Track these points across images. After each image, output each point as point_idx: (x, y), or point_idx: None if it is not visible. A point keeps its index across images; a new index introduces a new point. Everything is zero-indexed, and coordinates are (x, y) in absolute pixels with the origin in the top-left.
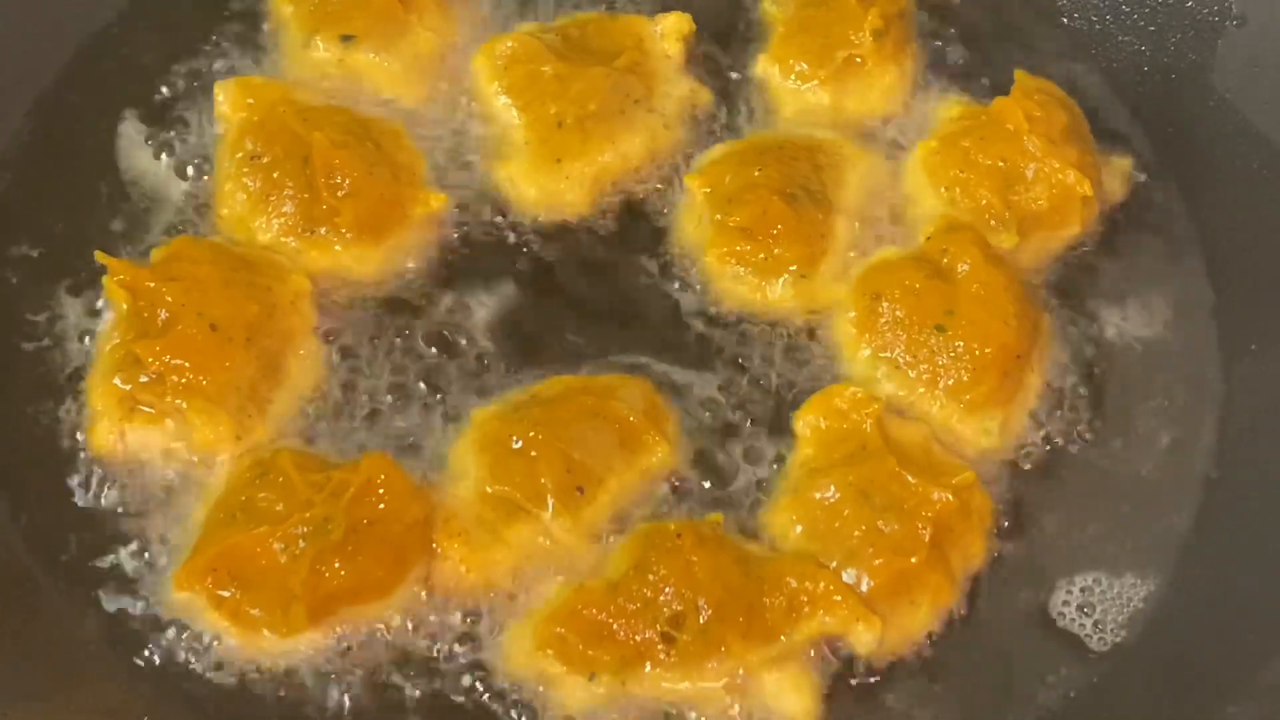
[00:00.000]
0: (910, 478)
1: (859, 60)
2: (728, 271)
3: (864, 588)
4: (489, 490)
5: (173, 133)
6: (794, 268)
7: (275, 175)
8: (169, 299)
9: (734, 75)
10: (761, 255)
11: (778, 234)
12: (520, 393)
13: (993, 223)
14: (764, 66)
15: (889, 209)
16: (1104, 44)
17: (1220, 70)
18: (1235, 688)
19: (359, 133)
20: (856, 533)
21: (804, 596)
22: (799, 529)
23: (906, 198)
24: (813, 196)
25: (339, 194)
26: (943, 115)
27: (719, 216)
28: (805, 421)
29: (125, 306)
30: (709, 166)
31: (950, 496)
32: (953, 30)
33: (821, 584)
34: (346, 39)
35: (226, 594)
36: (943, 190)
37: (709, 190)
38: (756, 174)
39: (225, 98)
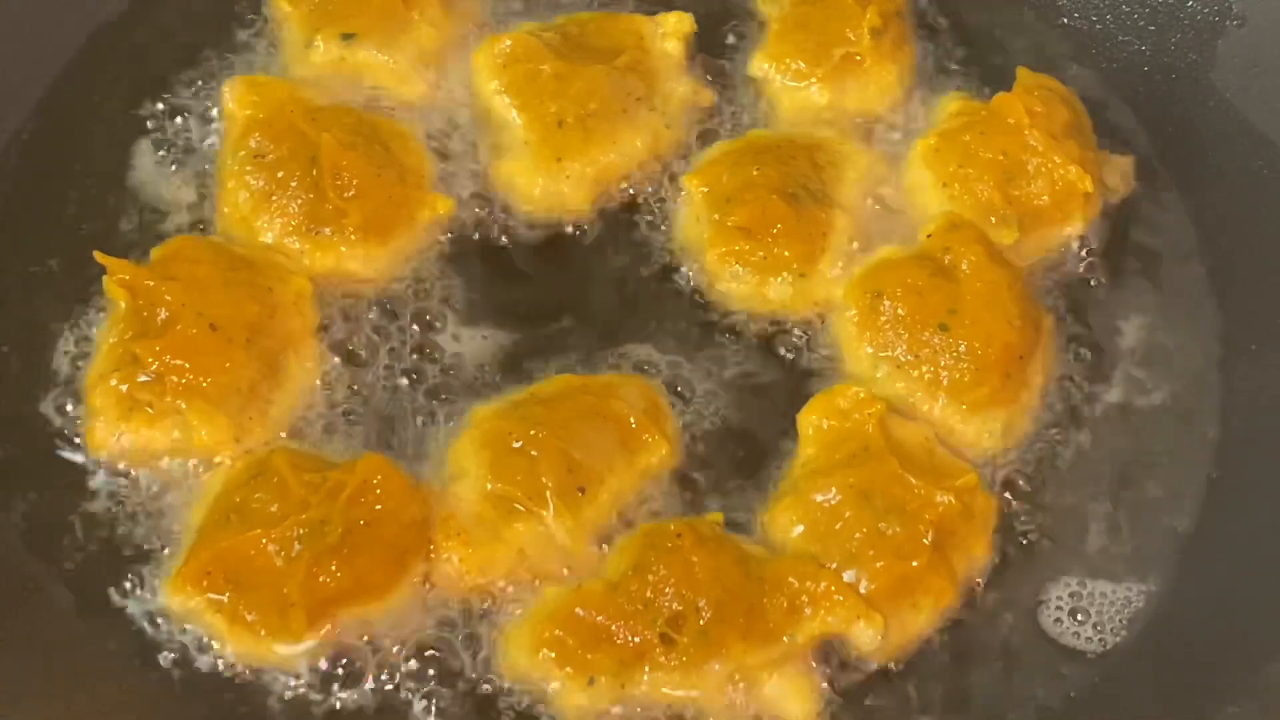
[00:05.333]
0: (912, 480)
1: (858, 58)
2: (727, 271)
3: (864, 590)
4: (489, 488)
5: (174, 131)
6: (794, 266)
7: (280, 175)
8: (168, 298)
9: (732, 74)
10: (761, 254)
11: (777, 233)
12: (520, 391)
13: (993, 219)
14: (760, 65)
15: (889, 207)
16: (1104, 44)
17: (1220, 70)
18: (1235, 688)
19: (367, 134)
20: (857, 535)
21: (805, 596)
22: (799, 529)
23: (906, 195)
24: (812, 195)
25: (346, 195)
26: (942, 111)
27: (717, 216)
28: (808, 422)
29: (124, 306)
30: (706, 166)
31: (952, 499)
32: (951, 30)
33: (822, 584)
34: (348, 37)
35: (222, 598)
36: (942, 186)
37: (707, 190)
38: (755, 173)
39: (232, 95)
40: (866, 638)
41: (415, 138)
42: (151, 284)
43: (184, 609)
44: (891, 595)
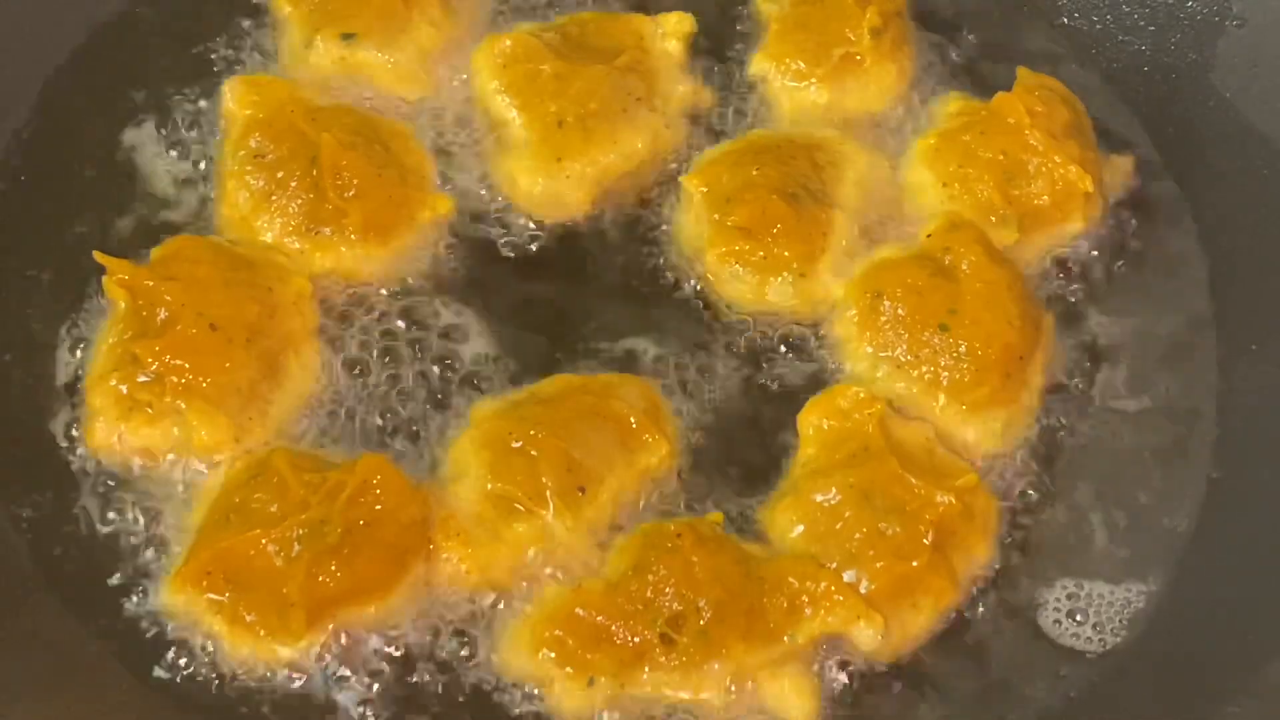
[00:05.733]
0: (912, 480)
1: (858, 58)
2: (727, 271)
3: (864, 590)
4: (489, 488)
5: (174, 131)
6: (794, 266)
7: (280, 175)
8: (168, 298)
9: (732, 74)
10: (761, 254)
11: (777, 233)
12: (519, 391)
13: (993, 219)
14: (760, 65)
15: (889, 206)
16: (1104, 44)
17: (1220, 70)
18: (1235, 688)
19: (368, 134)
20: (857, 535)
21: (805, 596)
22: (799, 529)
23: (906, 194)
24: (812, 195)
25: (346, 195)
26: (942, 111)
27: (717, 216)
28: (808, 421)
29: (124, 306)
30: (706, 166)
31: (952, 499)
32: (951, 29)
33: (822, 584)
34: (348, 37)
35: (222, 598)
36: (942, 186)
37: (706, 190)
38: (754, 173)
39: (232, 95)
40: (867, 637)
41: (415, 138)
42: (151, 284)
43: (183, 609)
44: (892, 595)
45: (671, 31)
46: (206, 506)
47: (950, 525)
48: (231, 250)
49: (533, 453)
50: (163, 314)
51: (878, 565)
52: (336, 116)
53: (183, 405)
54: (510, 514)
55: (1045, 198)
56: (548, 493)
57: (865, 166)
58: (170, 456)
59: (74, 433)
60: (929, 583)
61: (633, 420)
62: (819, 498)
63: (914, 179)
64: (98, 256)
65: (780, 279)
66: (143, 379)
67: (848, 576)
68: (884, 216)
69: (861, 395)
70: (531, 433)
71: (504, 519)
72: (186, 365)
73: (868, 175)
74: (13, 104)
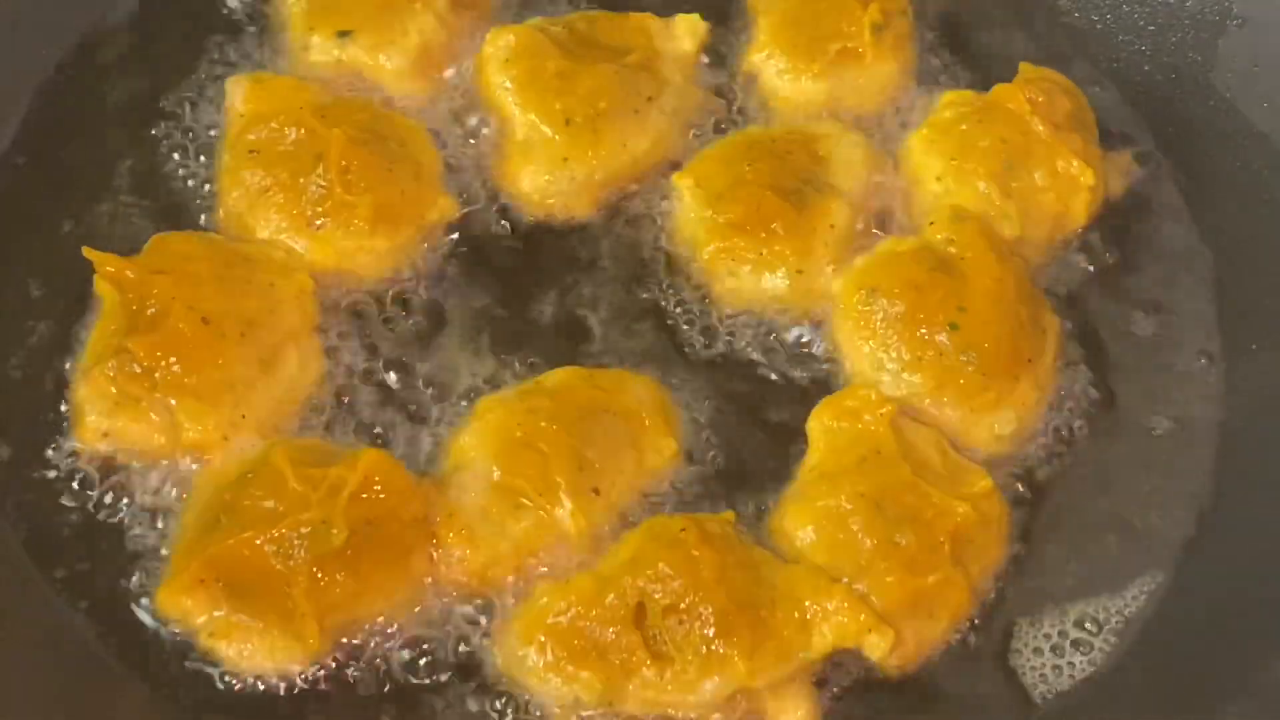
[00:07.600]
0: (927, 488)
1: (860, 51)
2: (724, 269)
3: (878, 602)
4: (496, 478)
5: (175, 129)
6: (791, 262)
7: (282, 172)
8: (156, 292)
9: (733, 73)
10: (758, 251)
11: (773, 229)
12: (526, 383)
13: (993, 212)
14: (756, 60)
15: (888, 200)
16: (1104, 43)
17: (1220, 70)
18: (1235, 688)
19: (378, 130)
20: (869, 545)
21: (816, 613)
22: (808, 536)
23: (905, 187)
24: (811, 189)
25: (351, 191)
26: (942, 102)
27: (710, 213)
28: (817, 424)
29: (113, 300)
30: (698, 163)
31: (969, 509)
32: (952, 28)
33: (834, 601)
34: (348, 34)
35: (220, 603)
36: (938, 179)
37: (699, 187)
38: (746, 169)
39: (237, 93)
40: (878, 650)
41: (424, 133)
42: (139, 277)
43: (180, 615)
44: (908, 608)
45: (684, 33)
46: (196, 508)
47: (967, 534)
48: (225, 245)
49: (543, 448)
50: (153, 308)
51: (891, 579)
52: (347, 113)
53: (172, 401)
54: (516, 509)
55: (1046, 191)
56: (560, 491)
57: (863, 160)
58: (161, 453)
59: (71, 432)
60: (946, 595)
61: (642, 417)
62: (828, 504)
63: (913, 172)
64: (86, 253)
65: (777, 275)
66: (132, 373)
67: (859, 588)
68: (883, 210)
69: (872, 396)
70: (542, 425)
71: (510, 514)
72: (175, 360)
73: (866, 169)
74: (13, 103)
